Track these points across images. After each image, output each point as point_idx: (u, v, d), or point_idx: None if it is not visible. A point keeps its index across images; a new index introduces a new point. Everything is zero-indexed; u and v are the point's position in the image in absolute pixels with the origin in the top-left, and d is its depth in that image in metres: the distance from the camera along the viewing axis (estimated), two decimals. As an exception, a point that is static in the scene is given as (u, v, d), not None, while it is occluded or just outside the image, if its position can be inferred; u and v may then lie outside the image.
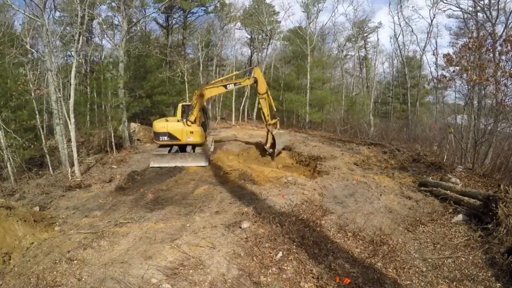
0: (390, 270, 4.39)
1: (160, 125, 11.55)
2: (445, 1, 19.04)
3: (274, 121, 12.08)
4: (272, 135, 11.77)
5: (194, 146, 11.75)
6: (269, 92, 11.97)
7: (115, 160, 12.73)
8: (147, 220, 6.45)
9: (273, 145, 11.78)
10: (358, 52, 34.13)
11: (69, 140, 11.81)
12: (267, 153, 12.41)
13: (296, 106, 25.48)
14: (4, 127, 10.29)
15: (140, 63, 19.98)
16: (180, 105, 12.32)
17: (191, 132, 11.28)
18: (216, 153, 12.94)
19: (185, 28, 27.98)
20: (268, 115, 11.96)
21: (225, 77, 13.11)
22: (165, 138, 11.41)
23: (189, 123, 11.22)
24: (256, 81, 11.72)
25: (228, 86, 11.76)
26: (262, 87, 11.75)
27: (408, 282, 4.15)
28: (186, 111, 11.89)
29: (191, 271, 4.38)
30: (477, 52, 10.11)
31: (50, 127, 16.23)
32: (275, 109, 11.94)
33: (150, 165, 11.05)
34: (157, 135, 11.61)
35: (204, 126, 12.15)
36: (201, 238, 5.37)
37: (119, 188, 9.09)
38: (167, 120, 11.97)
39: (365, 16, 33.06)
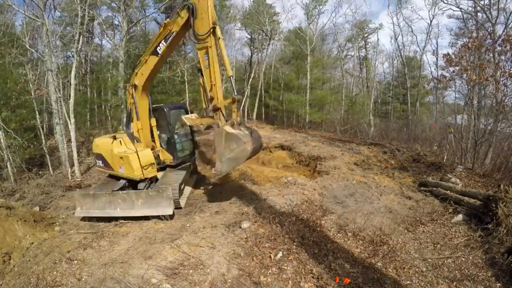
0: (390, 270, 4.39)
1: (96, 142, 7.84)
2: (445, 1, 19.04)
3: (228, 101, 5.71)
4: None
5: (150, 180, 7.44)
6: (220, 33, 5.59)
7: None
8: (147, 220, 6.45)
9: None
10: (358, 52, 34.15)
11: (69, 140, 11.83)
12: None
13: (296, 106, 25.49)
14: (4, 127, 10.30)
15: (140, 63, 19.98)
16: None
17: (121, 158, 6.99)
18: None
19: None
20: (213, 88, 5.76)
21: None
22: (100, 163, 7.70)
23: (133, 141, 7.23)
24: (193, 11, 5.66)
25: (159, 48, 6.56)
26: (204, 21, 5.58)
27: (408, 282, 4.15)
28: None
29: (191, 271, 4.38)
30: (476, 52, 10.12)
31: (50, 127, 16.26)
32: (230, 73, 5.77)
33: (75, 214, 6.76)
34: (96, 157, 7.89)
35: (171, 144, 7.78)
36: (201, 238, 5.37)
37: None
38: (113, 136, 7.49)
39: (365, 17, 33.13)
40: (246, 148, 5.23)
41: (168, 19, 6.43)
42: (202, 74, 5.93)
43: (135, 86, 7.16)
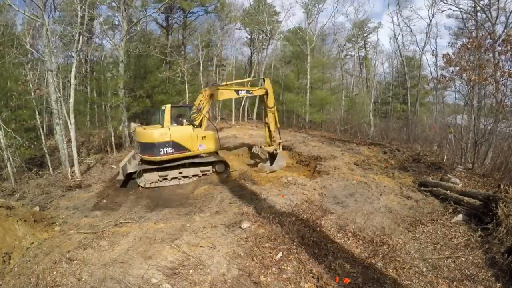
0: (390, 270, 4.39)
1: (157, 132, 8.81)
2: (445, 1, 19.05)
3: (279, 141, 10.93)
4: (274, 153, 10.67)
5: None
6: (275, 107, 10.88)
7: (115, 160, 12.74)
8: (147, 220, 6.46)
9: (269, 162, 10.75)
10: (358, 52, 34.17)
11: (69, 140, 11.82)
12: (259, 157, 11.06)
13: (296, 106, 25.52)
14: (4, 127, 10.29)
15: (140, 63, 19.99)
16: (167, 106, 9.51)
17: (203, 138, 9.41)
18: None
19: (185, 28, 27.98)
20: (274, 131, 10.70)
21: (238, 81, 11.67)
22: (168, 150, 8.86)
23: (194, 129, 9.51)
24: (267, 93, 10.40)
25: (240, 92, 10.35)
26: (271, 100, 10.60)
27: (408, 282, 4.15)
28: (177, 115, 9.87)
29: (191, 271, 4.38)
30: (476, 52, 10.11)
31: (50, 127, 16.28)
32: (278, 125, 10.97)
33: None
34: (153, 148, 8.73)
35: None
36: (201, 238, 5.37)
37: (119, 187, 9.10)
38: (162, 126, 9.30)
39: (366, 16, 33.15)
40: (283, 166, 10.82)
41: (256, 87, 11.11)
42: (269, 126, 10.62)
43: (212, 95, 9.62)
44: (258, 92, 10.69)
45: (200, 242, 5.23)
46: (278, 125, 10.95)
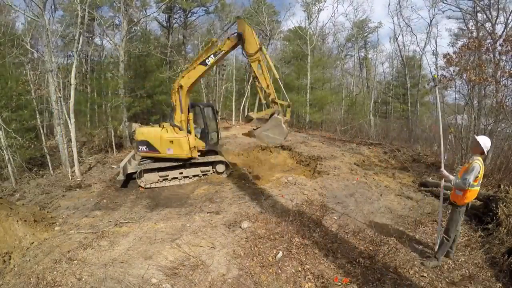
0: (390, 270, 4.39)
1: (140, 131, 9.33)
2: (445, 1, 19.05)
3: (283, 102, 7.48)
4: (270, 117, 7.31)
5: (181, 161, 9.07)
6: (265, 50, 7.66)
7: (116, 160, 12.74)
8: (147, 220, 6.46)
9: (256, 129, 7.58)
10: (358, 52, 34.14)
11: (69, 140, 11.81)
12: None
13: (296, 106, 25.51)
14: (5, 127, 10.29)
15: (141, 63, 19.99)
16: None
17: (171, 142, 8.84)
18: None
19: (186, 28, 27.98)
20: (269, 87, 7.45)
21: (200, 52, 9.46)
22: (144, 148, 9.17)
23: (175, 129, 8.93)
24: (241, 38, 7.68)
25: (207, 61, 8.35)
26: (252, 44, 7.49)
27: (408, 282, 4.15)
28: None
29: (191, 271, 4.38)
30: (476, 52, 10.10)
31: (51, 127, 16.26)
32: (277, 76, 7.76)
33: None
34: (137, 144, 9.32)
35: (204, 133, 9.56)
36: (201, 238, 5.38)
37: (119, 188, 9.11)
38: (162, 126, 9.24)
39: (365, 16, 33.14)
40: (279, 141, 7.30)
41: (215, 38, 9.36)
42: (258, 80, 7.59)
43: (181, 86, 8.69)
44: (228, 44, 8.06)
45: (200, 242, 5.23)
46: (278, 77, 7.81)
